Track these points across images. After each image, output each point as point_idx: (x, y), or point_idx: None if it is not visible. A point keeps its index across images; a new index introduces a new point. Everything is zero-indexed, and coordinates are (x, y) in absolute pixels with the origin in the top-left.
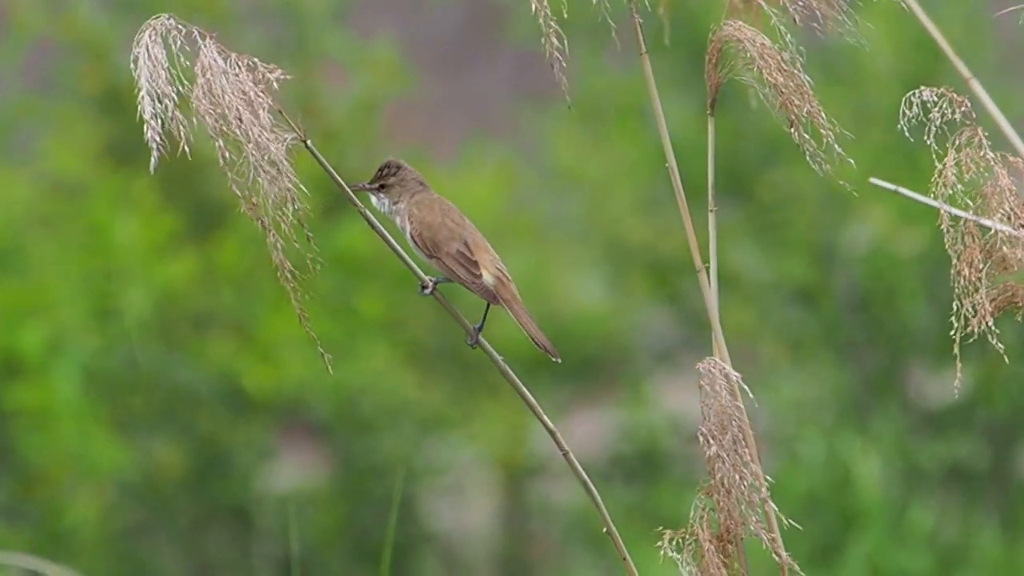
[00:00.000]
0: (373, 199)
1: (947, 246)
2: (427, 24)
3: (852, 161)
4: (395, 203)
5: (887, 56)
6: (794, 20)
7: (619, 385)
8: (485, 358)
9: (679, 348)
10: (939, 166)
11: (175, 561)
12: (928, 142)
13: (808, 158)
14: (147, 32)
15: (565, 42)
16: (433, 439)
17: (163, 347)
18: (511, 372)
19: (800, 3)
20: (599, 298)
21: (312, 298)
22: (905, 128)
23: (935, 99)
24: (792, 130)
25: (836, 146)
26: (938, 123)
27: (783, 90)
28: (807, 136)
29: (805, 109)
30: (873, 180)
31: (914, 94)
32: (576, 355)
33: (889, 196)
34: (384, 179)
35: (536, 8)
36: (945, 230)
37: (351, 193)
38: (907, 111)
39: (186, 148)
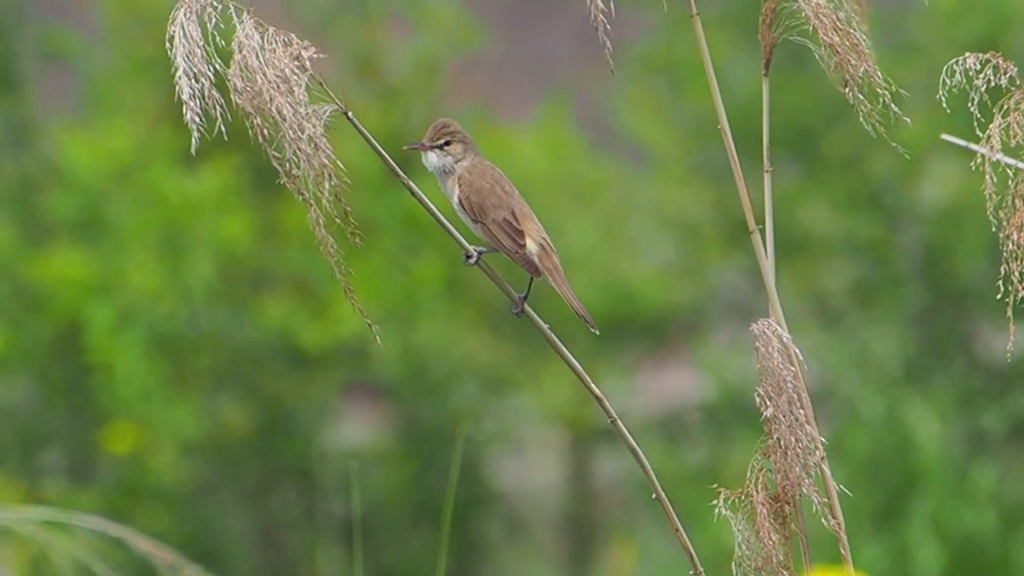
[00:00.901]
0: (433, 157)
1: (989, 213)
2: None
3: (908, 120)
4: (457, 161)
5: (955, 22)
6: None
7: (692, 345)
8: (548, 317)
9: (753, 302)
10: (985, 132)
11: (240, 520)
12: (971, 109)
13: (862, 118)
14: (182, 10)
15: (612, 4)
16: (499, 399)
17: (226, 306)
18: (556, 340)
19: None
20: (666, 261)
21: (375, 260)
22: (944, 97)
23: (979, 66)
24: (847, 90)
25: (893, 105)
26: (983, 89)
27: (839, 49)
28: (861, 96)
29: (861, 69)
30: (945, 136)
31: (957, 61)
32: (646, 319)
33: (958, 157)
34: (449, 135)
35: None
36: (988, 196)
37: (393, 163)
38: (948, 79)
39: (222, 127)
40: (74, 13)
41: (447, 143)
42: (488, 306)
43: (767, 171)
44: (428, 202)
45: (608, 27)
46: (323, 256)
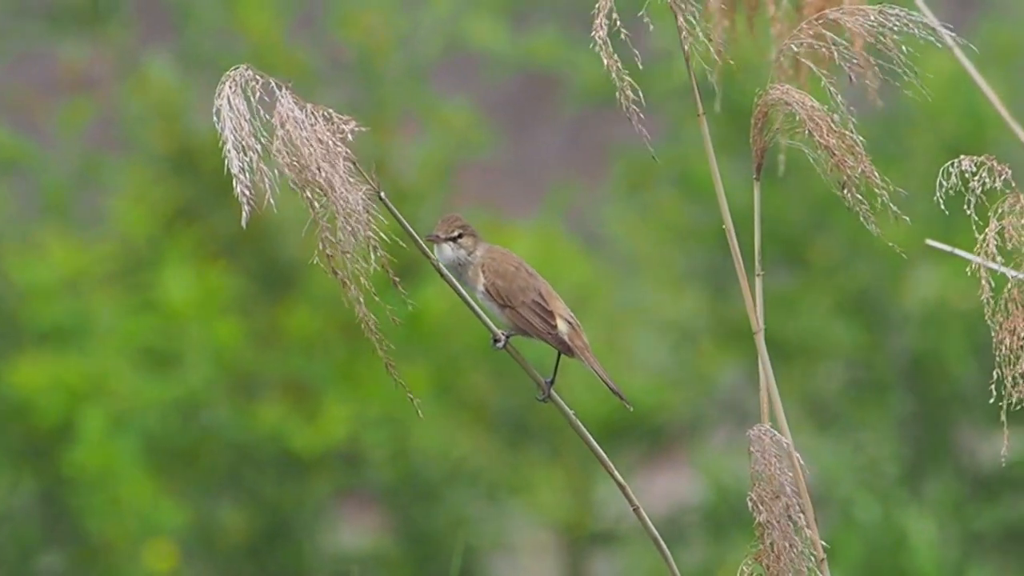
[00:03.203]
0: (447, 249)
1: (987, 317)
2: (485, 86)
3: (907, 219)
4: (471, 253)
5: (930, 126)
6: (850, 79)
7: (687, 448)
8: (545, 421)
9: (749, 404)
10: (981, 235)
11: None
12: (968, 212)
13: (862, 218)
14: (227, 83)
15: (641, 94)
16: (494, 505)
17: (224, 409)
18: (583, 427)
19: (855, 60)
20: (663, 366)
21: (374, 362)
22: (941, 200)
23: (974, 168)
24: (844, 191)
25: (891, 205)
26: (978, 192)
27: (835, 152)
28: (860, 197)
29: (859, 170)
30: (929, 241)
31: (953, 164)
32: (645, 425)
33: (941, 262)
34: (461, 228)
35: (607, 64)
36: (986, 301)
37: (423, 244)
38: (944, 181)
39: (271, 200)
40: (25, 122)
41: (459, 235)
42: (482, 410)
43: (759, 275)
44: (455, 283)
45: (641, 116)
46: (335, 353)
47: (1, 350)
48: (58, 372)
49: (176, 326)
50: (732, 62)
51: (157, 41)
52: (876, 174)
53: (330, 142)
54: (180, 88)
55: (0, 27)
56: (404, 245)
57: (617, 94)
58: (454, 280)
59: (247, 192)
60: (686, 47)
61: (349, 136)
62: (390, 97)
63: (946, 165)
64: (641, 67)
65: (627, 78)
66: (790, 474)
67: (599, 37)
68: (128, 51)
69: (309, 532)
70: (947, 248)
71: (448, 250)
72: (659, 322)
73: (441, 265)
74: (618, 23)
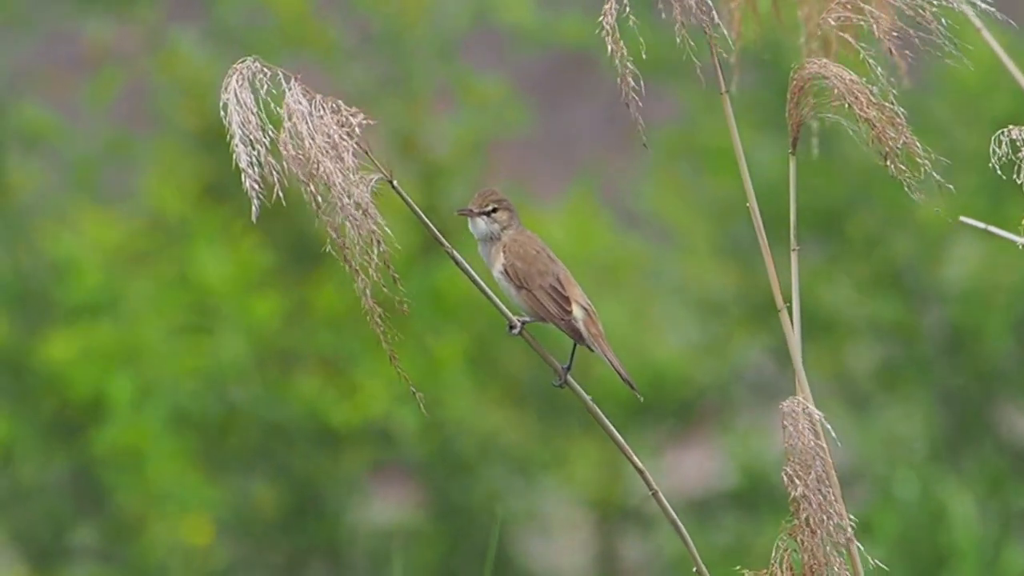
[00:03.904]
0: (481, 223)
1: None
2: (519, 61)
3: (952, 187)
4: (504, 228)
5: (976, 97)
6: (890, 51)
7: (718, 424)
8: (575, 396)
9: (777, 383)
10: None
11: None
12: (1018, 181)
13: (906, 187)
14: (234, 76)
15: (642, 83)
16: (526, 479)
17: (256, 386)
18: (600, 412)
19: (895, 33)
20: (692, 342)
21: (403, 338)
22: (996, 166)
23: None
24: (888, 163)
25: (935, 174)
26: None
27: (876, 124)
28: (903, 167)
29: (901, 141)
30: (963, 219)
31: (1003, 132)
32: (673, 400)
33: (981, 237)
34: (496, 203)
35: (612, 49)
36: None
37: (436, 232)
38: (997, 149)
39: (280, 193)
40: (55, 99)
41: (494, 210)
42: (514, 384)
43: (794, 250)
44: (469, 269)
45: (640, 105)
46: (357, 325)
47: (33, 325)
48: (91, 340)
49: (210, 302)
50: (755, 41)
51: (186, 18)
52: (918, 145)
53: (335, 135)
54: (208, 65)
55: (29, 6)
56: (429, 224)
57: (618, 81)
58: (467, 266)
59: (256, 186)
60: (707, 29)
61: (357, 129)
62: (420, 71)
63: (996, 134)
64: (678, 40)
65: (630, 66)
66: (824, 446)
67: (607, 23)
68: (157, 28)
69: (342, 507)
70: (981, 225)
71: (482, 224)
72: (691, 297)
73: (455, 252)
74: (628, 9)
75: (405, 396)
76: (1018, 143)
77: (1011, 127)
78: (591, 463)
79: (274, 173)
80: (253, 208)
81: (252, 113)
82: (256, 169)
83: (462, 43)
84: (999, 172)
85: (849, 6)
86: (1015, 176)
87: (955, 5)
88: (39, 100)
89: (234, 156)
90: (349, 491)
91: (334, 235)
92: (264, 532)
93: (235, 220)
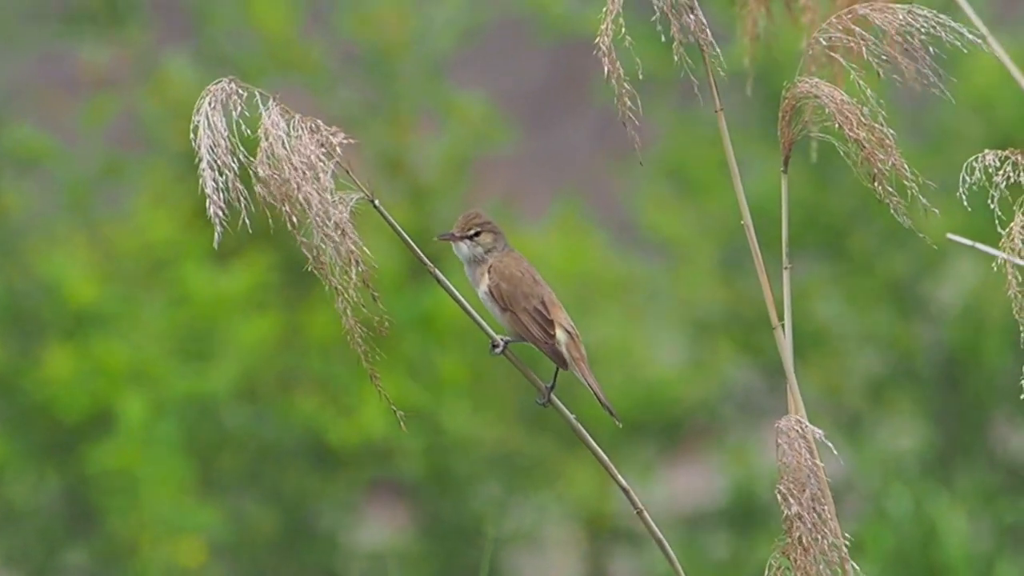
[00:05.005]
0: (464, 247)
1: (1015, 312)
2: (511, 80)
3: (936, 211)
4: (488, 251)
5: (973, 116)
6: (878, 75)
7: (708, 443)
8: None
9: (767, 402)
10: (1006, 230)
11: None
12: (991, 206)
13: (892, 211)
14: (207, 99)
15: (639, 102)
16: (520, 496)
17: (250, 406)
18: (583, 431)
19: (883, 57)
20: (682, 359)
21: (394, 359)
22: (964, 195)
23: (998, 163)
24: (875, 184)
25: (921, 197)
26: (1002, 186)
27: (865, 144)
28: (891, 189)
29: (890, 162)
30: (951, 236)
31: (976, 159)
32: (663, 419)
33: (979, 253)
34: (479, 226)
35: (608, 70)
36: (1013, 296)
37: (418, 251)
38: (968, 176)
39: (246, 221)
40: (48, 120)
41: (477, 233)
42: (506, 401)
43: (786, 268)
44: (453, 289)
45: (636, 123)
46: (349, 350)
47: (27, 346)
48: (93, 356)
49: (203, 324)
50: (754, 59)
51: (175, 41)
52: (906, 167)
53: (313, 156)
54: (199, 87)
55: (19, 26)
56: (411, 244)
57: (615, 101)
58: (451, 286)
59: (220, 212)
60: (703, 46)
61: (337, 148)
62: (406, 94)
63: (969, 160)
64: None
65: (627, 87)
66: (820, 464)
67: (603, 44)
68: (146, 52)
69: (336, 527)
70: (968, 242)
71: (464, 247)
72: (683, 314)
73: (438, 272)
74: (624, 30)
75: (406, 416)
76: (990, 169)
77: (986, 151)
78: (582, 482)
79: (241, 200)
80: (215, 234)
81: (222, 136)
82: (221, 195)
83: (452, 61)
84: (965, 204)
85: (841, 27)
86: (989, 202)
87: (944, 35)
88: (32, 120)
89: (199, 182)
90: (344, 512)
91: (309, 256)
92: (258, 554)
93: (226, 242)
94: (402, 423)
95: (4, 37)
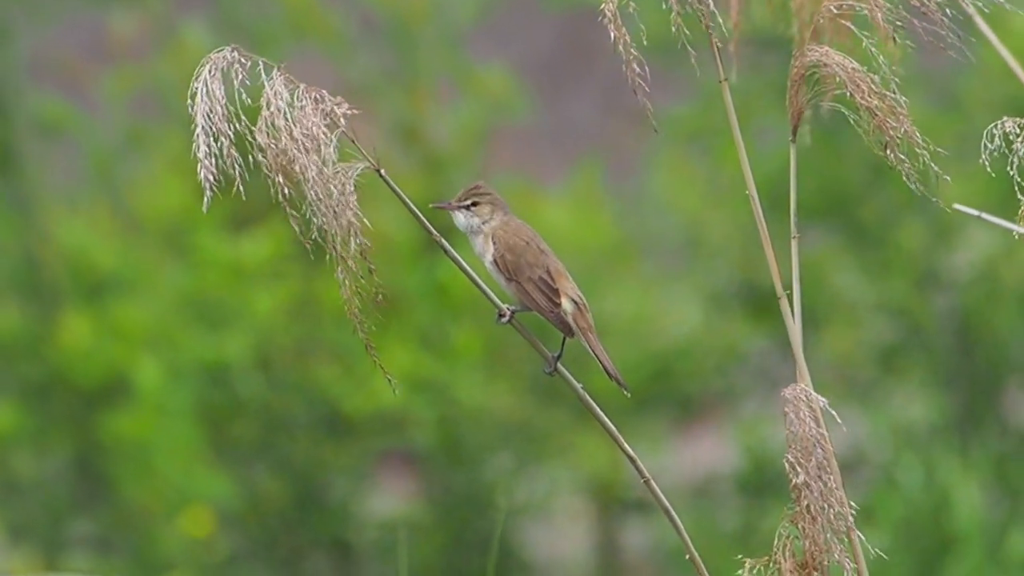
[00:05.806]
0: (460, 217)
1: None
2: (518, 51)
3: (948, 178)
4: (485, 222)
5: (995, 81)
6: (894, 40)
7: (719, 415)
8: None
9: (780, 371)
10: None
11: None
12: (1011, 173)
13: (904, 178)
14: (207, 67)
15: (647, 68)
16: (531, 467)
17: (264, 375)
18: (591, 401)
19: (899, 22)
20: (697, 327)
21: (408, 329)
22: (987, 161)
23: (1018, 130)
24: (887, 152)
25: (933, 165)
26: (1021, 153)
27: (877, 112)
28: (903, 157)
29: (901, 130)
30: (957, 206)
31: (996, 125)
32: (677, 390)
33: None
34: (477, 196)
35: (615, 36)
36: None
37: (426, 221)
38: (988, 143)
39: (240, 188)
40: (71, 89)
41: (474, 203)
42: (519, 372)
43: (794, 238)
44: (459, 259)
45: (647, 90)
46: (363, 320)
47: (45, 314)
48: (112, 320)
49: (219, 293)
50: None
51: (193, 8)
52: (918, 135)
53: (315, 127)
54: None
55: None
56: (418, 213)
57: (623, 68)
58: (457, 256)
59: (211, 177)
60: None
61: (342, 119)
62: (425, 63)
63: (989, 127)
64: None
65: (634, 52)
66: (825, 433)
67: (608, 10)
68: (164, 19)
69: (347, 497)
70: (975, 212)
71: (461, 217)
72: (695, 284)
73: (443, 241)
74: None
75: (420, 386)
76: (1011, 136)
77: (1005, 118)
78: (593, 453)
79: (236, 167)
80: (204, 199)
81: (220, 104)
82: (214, 161)
83: (463, 33)
84: (988, 169)
85: None
86: (1008, 169)
87: None
88: (55, 89)
89: (193, 146)
90: (355, 481)
91: (297, 229)
92: (269, 522)
93: (241, 211)
94: (395, 390)
95: (29, 6)
